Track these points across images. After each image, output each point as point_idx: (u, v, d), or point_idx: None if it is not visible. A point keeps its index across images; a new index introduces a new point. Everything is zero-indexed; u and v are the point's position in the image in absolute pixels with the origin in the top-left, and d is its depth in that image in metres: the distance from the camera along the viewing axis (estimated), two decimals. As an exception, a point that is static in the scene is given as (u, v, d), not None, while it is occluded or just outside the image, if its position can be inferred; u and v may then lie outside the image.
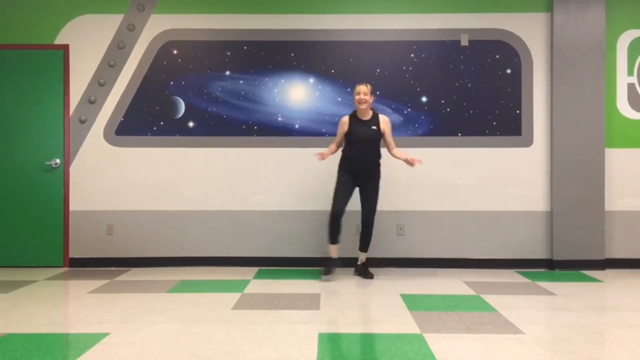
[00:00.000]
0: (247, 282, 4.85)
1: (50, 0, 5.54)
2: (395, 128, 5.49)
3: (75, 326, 3.49)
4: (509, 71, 5.52)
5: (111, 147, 5.55)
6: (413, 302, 4.10)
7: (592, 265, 5.41)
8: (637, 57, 5.54)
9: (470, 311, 3.85)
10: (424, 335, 3.28)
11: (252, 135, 5.55)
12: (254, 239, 5.56)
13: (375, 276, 5.02)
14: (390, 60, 5.54)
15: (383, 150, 4.98)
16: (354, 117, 4.94)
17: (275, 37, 5.54)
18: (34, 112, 5.54)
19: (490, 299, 4.22)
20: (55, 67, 5.53)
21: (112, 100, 5.53)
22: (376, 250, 5.40)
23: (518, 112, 5.51)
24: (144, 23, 5.55)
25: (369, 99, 4.87)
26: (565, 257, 5.41)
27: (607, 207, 5.48)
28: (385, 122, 4.93)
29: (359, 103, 4.85)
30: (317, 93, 5.55)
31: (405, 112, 5.54)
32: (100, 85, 5.53)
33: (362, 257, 5.10)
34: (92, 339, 3.18)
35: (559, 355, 2.93)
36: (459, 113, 5.52)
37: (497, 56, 5.52)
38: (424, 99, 5.54)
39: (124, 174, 5.55)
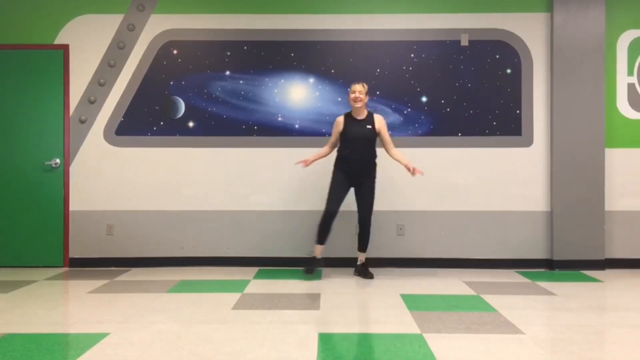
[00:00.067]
0: (247, 282, 4.85)
1: (50, 0, 5.54)
2: (395, 128, 5.50)
3: (75, 326, 3.49)
4: (509, 71, 5.52)
5: (111, 147, 5.55)
6: (413, 302, 4.10)
7: (592, 265, 5.41)
8: (637, 57, 5.54)
9: (470, 311, 3.85)
10: (424, 335, 3.28)
11: (252, 135, 5.55)
12: (254, 239, 5.56)
13: (375, 276, 5.02)
14: (390, 60, 5.54)
15: (381, 151, 4.98)
16: (348, 116, 4.95)
17: (275, 37, 5.54)
18: (34, 112, 5.54)
19: (490, 299, 4.22)
20: (55, 67, 5.53)
21: (112, 100, 5.53)
22: (376, 250, 5.40)
23: (518, 112, 5.51)
24: (144, 23, 5.55)
25: (364, 98, 4.88)
26: (565, 257, 5.41)
27: (607, 207, 5.48)
28: (380, 121, 4.94)
29: (354, 101, 4.86)
30: (317, 93, 5.55)
31: (405, 112, 5.54)
32: (100, 85, 5.53)
33: (361, 257, 5.11)
34: (92, 339, 3.18)
35: (559, 355, 2.93)
36: (459, 113, 5.53)
37: (497, 56, 5.52)
38: (424, 99, 5.54)
39: (124, 174, 5.55)
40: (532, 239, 5.50)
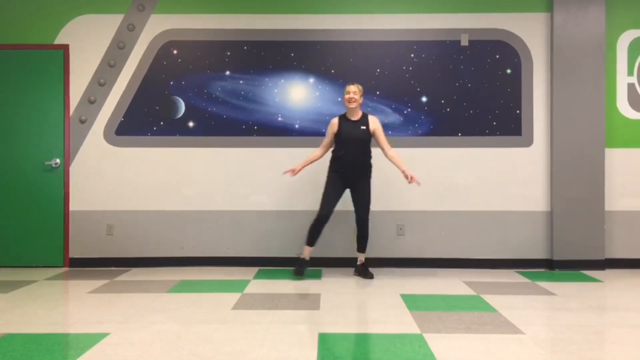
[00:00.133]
0: (247, 282, 4.85)
1: (50, 0, 5.54)
2: (395, 128, 5.50)
3: (75, 326, 3.49)
4: (509, 71, 5.52)
5: (111, 147, 5.55)
6: (413, 302, 4.10)
7: (592, 265, 5.41)
8: (637, 57, 5.54)
9: (470, 311, 3.85)
10: (424, 335, 3.28)
11: (252, 135, 5.55)
12: (254, 239, 5.56)
13: (375, 276, 5.02)
14: (390, 60, 5.54)
15: (379, 151, 4.97)
16: (343, 118, 4.96)
17: (275, 37, 5.54)
18: (34, 112, 5.54)
19: (490, 299, 4.22)
20: (55, 67, 5.53)
21: (112, 100, 5.54)
22: (376, 250, 5.41)
23: (518, 112, 5.51)
24: (144, 23, 5.55)
25: (359, 98, 4.88)
26: (565, 257, 5.41)
27: (607, 207, 5.48)
28: (374, 122, 4.94)
29: (349, 102, 4.87)
30: (317, 93, 5.55)
31: (405, 112, 5.54)
32: (100, 85, 5.53)
33: (361, 257, 5.11)
34: (92, 339, 3.18)
35: (559, 355, 2.93)
36: (459, 113, 5.53)
37: (497, 56, 5.52)
38: (424, 99, 5.54)
39: (124, 174, 5.55)
40: (532, 239, 5.50)
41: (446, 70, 5.53)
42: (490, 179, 5.52)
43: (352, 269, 5.22)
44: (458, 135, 5.53)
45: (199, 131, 5.55)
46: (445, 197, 5.53)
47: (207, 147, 5.55)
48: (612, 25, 5.51)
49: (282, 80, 5.56)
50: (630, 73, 5.55)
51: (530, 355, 2.94)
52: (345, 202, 5.00)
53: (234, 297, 4.26)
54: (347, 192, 4.97)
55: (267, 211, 5.56)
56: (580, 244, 5.41)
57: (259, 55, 5.56)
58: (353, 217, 5.05)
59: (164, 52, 5.55)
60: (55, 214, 5.53)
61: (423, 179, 5.45)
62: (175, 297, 4.30)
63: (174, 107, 5.56)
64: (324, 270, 5.36)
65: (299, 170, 4.95)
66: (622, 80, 5.54)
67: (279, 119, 5.55)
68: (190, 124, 5.55)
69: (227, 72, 5.56)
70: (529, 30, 5.51)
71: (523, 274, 5.26)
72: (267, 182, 5.54)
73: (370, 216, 4.99)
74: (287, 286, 4.67)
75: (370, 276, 5.00)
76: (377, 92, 5.51)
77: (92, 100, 5.53)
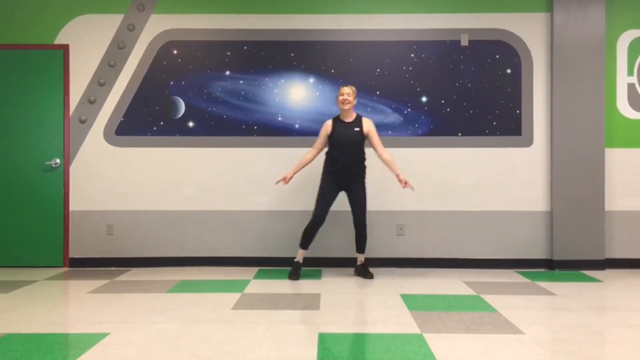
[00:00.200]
0: (247, 282, 4.85)
1: (50, 0, 5.54)
2: (395, 128, 5.50)
3: (75, 326, 3.49)
4: (509, 71, 5.52)
5: (111, 147, 5.55)
6: (413, 302, 4.10)
7: (592, 265, 5.41)
8: (637, 57, 5.54)
9: (470, 311, 3.85)
10: (424, 335, 3.28)
11: (252, 135, 5.55)
12: (254, 239, 5.56)
13: (375, 276, 5.02)
14: (390, 60, 5.54)
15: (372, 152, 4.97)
16: (337, 120, 4.97)
17: (275, 37, 5.54)
18: (34, 112, 5.54)
19: (490, 299, 4.22)
20: (55, 67, 5.53)
21: (112, 100, 5.54)
22: (376, 250, 5.41)
23: (518, 112, 5.51)
24: (144, 23, 5.55)
25: (353, 100, 4.89)
26: (565, 257, 5.41)
27: (607, 207, 5.48)
28: (368, 124, 4.94)
29: (342, 103, 4.88)
30: (317, 93, 5.55)
31: (405, 112, 5.54)
32: (100, 85, 5.53)
33: (360, 257, 5.10)
34: (92, 339, 3.18)
35: (559, 355, 2.93)
36: (459, 113, 5.53)
37: (497, 56, 5.52)
38: (424, 99, 5.54)
39: (124, 174, 5.55)
40: (532, 239, 5.50)
41: (446, 70, 5.53)
42: (490, 179, 5.52)
43: (352, 269, 5.22)
44: (458, 135, 5.53)
45: (199, 131, 5.55)
46: (445, 197, 5.53)
47: (207, 147, 5.55)
48: (612, 25, 5.51)
49: (282, 80, 5.56)
50: (630, 73, 5.55)
51: (530, 355, 2.94)
52: (345, 202, 5.00)
53: (234, 297, 4.26)
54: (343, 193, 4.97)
55: (267, 211, 5.56)
56: (580, 244, 5.41)
57: (259, 55, 5.56)
58: (351, 217, 5.04)
59: (164, 52, 5.55)
60: (55, 214, 5.53)
61: (423, 179, 5.46)
62: (175, 297, 4.30)
63: (174, 107, 5.56)
64: (324, 270, 5.36)
65: (291, 177, 4.96)
66: (622, 80, 5.54)
67: (279, 119, 5.55)
68: (190, 124, 5.55)
69: (227, 72, 5.56)
70: (529, 30, 5.51)
71: (523, 274, 5.26)
72: (268, 182, 5.53)
73: (368, 216, 4.99)
74: (287, 286, 4.67)
75: (370, 276, 5.00)
76: (377, 92, 5.51)
77: (92, 100, 5.53)
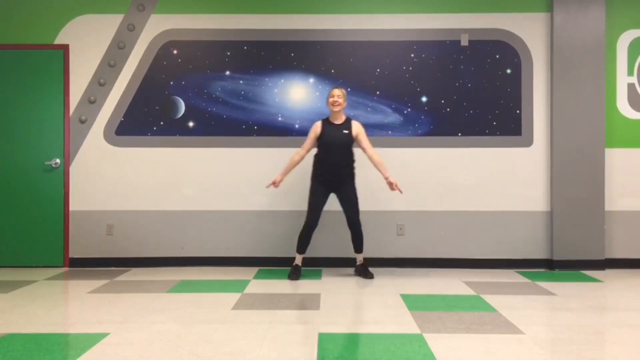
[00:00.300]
0: (247, 282, 4.85)
1: (50, 0, 5.54)
2: (395, 128, 5.51)
3: (75, 326, 3.49)
4: (509, 71, 5.52)
5: (111, 147, 5.55)
6: (413, 302, 4.10)
7: (592, 265, 5.41)
8: (637, 57, 5.54)
9: (470, 311, 3.85)
10: (424, 335, 3.28)
11: (252, 135, 5.55)
12: (254, 239, 5.56)
13: (375, 276, 5.02)
14: (390, 60, 5.54)
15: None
16: (326, 121, 4.98)
17: (275, 37, 5.54)
18: (34, 112, 5.54)
19: (490, 299, 4.22)
20: (55, 67, 5.53)
21: (112, 100, 5.54)
22: (376, 250, 5.41)
23: (518, 112, 5.51)
24: (144, 23, 5.55)
25: (343, 102, 4.90)
26: (565, 257, 5.41)
27: (607, 207, 5.48)
28: (357, 127, 4.95)
29: (332, 105, 4.89)
30: (317, 93, 5.55)
31: (405, 112, 5.54)
32: (100, 85, 5.53)
33: (359, 257, 5.10)
34: (92, 339, 3.18)
35: (559, 355, 2.93)
36: (459, 113, 5.53)
37: (497, 56, 5.52)
38: (424, 99, 5.54)
39: (124, 174, 5.55)
40: (532, 239, 5.50)
41: (446, 70, 5.53)
42: (490, 179, 5.52)
43: (352, 269, 5.22)
44: (458, 135, 5.53)
45: (199, 131, 5.54)
46: (445, 197, 5.52)
47: (207, 147, 5.55)
48: (612, 25, 5.51)
49: (282, 80, 5.56)
50: (630, 73, 5.55)
51: (530, 355, 2.94)
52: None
53: (234, 297, 4.26)
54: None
55: (267, 211, 5.56)
56: (580, 244, 5.41)
57: (259, 55, 5.55)
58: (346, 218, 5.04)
59: (164, 52, 5.55)
60: (55, 214, 5.53)
61: (423, 179, 5.47)
62: (175, 297, 4.30)
63: (174, 107, 5.56)
64: (324, 270, 5.36)
65: (281, 180, 4.97)
66: (622, 80, 5.54)
67: (279, 119, 5.55)
68: (190, 124, 5.55)
69: (227, 72, 5.56)
70: (529, 30, 5.51)
71: (523, 274, 5.26)
72: (268, 182, 5.52)
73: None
74: (287, 286, 4.67)
75: (370, 276, 5.00)
76: (377, 92, 5.51)
77: (92, 100, 5.53)
